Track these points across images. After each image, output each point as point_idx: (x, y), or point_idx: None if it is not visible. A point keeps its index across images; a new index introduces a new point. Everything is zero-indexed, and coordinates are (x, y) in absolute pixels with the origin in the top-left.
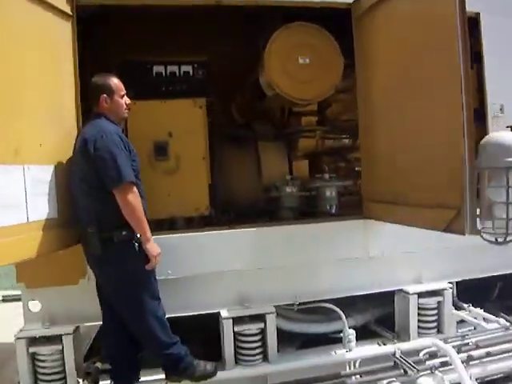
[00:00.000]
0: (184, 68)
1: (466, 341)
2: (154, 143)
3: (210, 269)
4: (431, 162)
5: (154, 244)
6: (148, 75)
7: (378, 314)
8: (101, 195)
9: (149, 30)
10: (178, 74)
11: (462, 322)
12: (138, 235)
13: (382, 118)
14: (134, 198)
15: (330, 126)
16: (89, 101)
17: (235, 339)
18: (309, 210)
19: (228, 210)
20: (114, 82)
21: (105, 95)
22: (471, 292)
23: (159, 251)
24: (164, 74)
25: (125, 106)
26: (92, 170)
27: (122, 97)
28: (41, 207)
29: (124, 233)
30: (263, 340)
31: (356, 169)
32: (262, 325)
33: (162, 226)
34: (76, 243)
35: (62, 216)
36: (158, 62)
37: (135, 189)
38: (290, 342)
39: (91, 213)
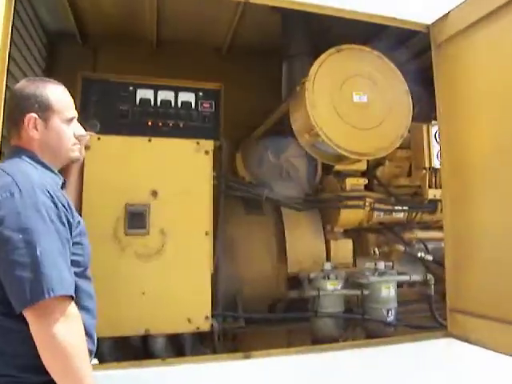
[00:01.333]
0: (183, 96)
1: None
2: (127, 207)
3: None
4: None
5: None
6: (127, 101)
7: None
8: None
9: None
10: (173, 103)
11: None
12: None
13: (486, 187)
14: (68, 330)
15: (385, 192)
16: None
17: None
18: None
19: (236, 316)
20: (56, 94)
21: (34, 115)
22: None
23: None
24: (153, 101)
25: (73, 140)
26: None
27: (69, 122)
28: None
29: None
30: None
31: (420, 255)
32: None
33: (128, 349)
34: None
35: None
36: (144, 84)
37: (74, 309)
38: None
39: None
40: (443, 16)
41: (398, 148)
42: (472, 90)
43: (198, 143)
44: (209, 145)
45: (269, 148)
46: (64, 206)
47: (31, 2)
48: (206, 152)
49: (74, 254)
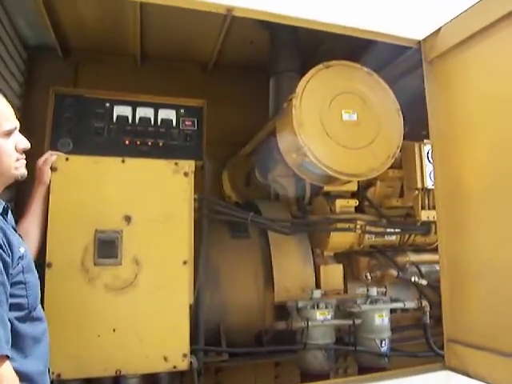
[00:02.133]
0: (163, 113)
1: None
2: (97, 234)
3: None
4: None
5: None
6: (103, 118)
7: None
8: None
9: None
10: (153, 120)
11: None
12: None
13: (484, 212)
14: None
15: (376, 213)
16: None
17: None
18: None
19: (218, 350)
20: None
21: None
22: None
23: None
24: (131, 118)
25: (15, 155)
26: None
27: (8, 135)
28: None
29: None
30: None
31: (414, 280)
32: None
33: None
34: None
35: None
36: (122, 100)
37: (7, 372)
38: None
39: None
40: (435, 32)
41: (389, 168)
42: (465, 108)
43: (176, 164)
44: (189, 165)
45: (256, 167)
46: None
47: (8, 13)
48: (185, 174)
49: (14, 295)
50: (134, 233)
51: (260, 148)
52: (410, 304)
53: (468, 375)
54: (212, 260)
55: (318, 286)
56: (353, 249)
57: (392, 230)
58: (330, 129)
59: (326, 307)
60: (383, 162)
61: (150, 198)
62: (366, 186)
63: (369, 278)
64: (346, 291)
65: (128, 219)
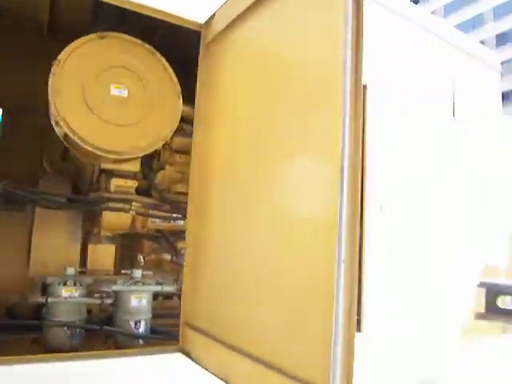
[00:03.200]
0: None
1: None
2: None
3: None
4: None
5: None
6: None
7: None
8: None
9: None
10: None
11: None
12: None
13: (217, 197)
14: None
15: (159, 198)
16: None
17: None
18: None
19: None
20: None
21: None
22: None
23: None
24: None
25: None
26: None
27: None
28: None
29: None
30: None
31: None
32: None
33: None
34: None
35: None
36: None
37: None
38: None
39: None
40: (212, 15)
41: (179, 152)
42: (231, 90)
43: None
44: None
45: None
46: None
47: None
48: None
49: None
50: None
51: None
52: (170, 288)
53: (192, 359)
54: None
55: (85, 265)
56: (136, 231)
57: (176, 215)
58: (92, 101)
59: (75, 284)
60: (152, 142)
61: None
62: (156, 168)
63: (141, 260)
64: (118, 272)
65: None
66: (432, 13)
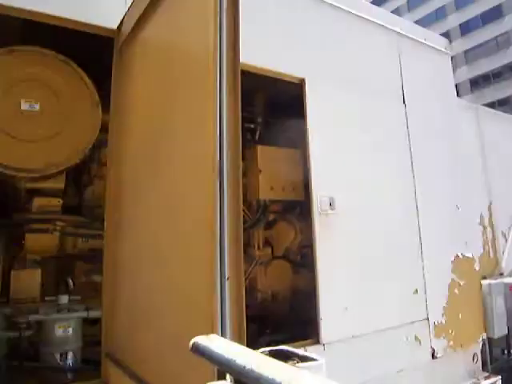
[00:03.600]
0: None
1: None
2: None
3: None
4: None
5: None
6: None
7: None
8: None
9: None
10: None
11: None
12: None
13: (128, 208)
14: None
15: (89, 215)
16: None
17: None
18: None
19: None
20: None
21: None
22: None
23: None
24: None
25: None
26: None
27: None
28: None
29: None
30: None
31: None
32: None
33: None
34: None
35: None
36: None
37: None
38: None
39: None
40: (122, 18)
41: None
42: (138, 95)
43: None
44: None
45: None
46: None
47: None
48: None
49: None
50: None
51: None
52: (96, 313)
53: None
54: None
55: (7, 292)
56: (67, 252)
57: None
58: (0, 119)
59: None
60: (69, 156)
61: None
62: (85, 183)
63: (71, 284)
64: (43, 299)
65: None
66: (396, 9)
